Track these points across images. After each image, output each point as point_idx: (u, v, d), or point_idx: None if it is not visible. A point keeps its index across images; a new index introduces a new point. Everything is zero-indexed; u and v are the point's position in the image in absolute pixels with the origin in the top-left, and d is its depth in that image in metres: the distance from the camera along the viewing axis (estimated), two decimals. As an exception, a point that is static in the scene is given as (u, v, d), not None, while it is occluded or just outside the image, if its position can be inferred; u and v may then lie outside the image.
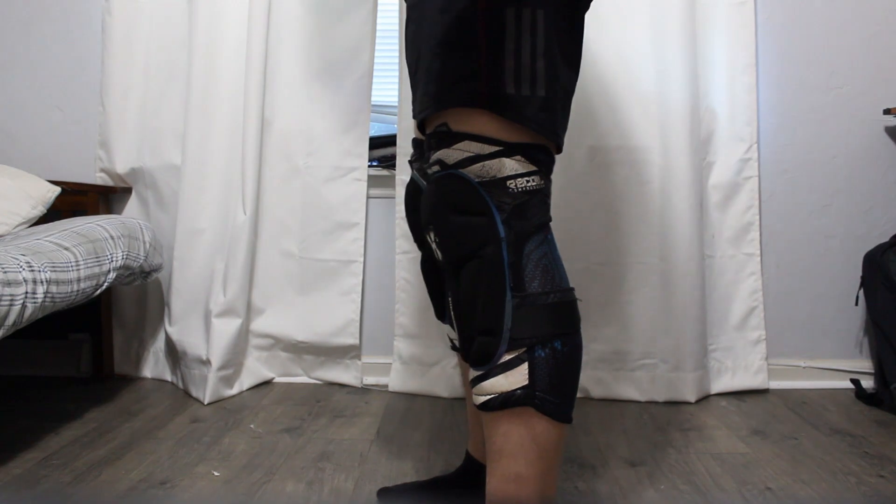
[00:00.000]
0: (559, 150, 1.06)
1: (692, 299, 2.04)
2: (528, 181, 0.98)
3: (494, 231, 0.97)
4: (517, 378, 0.95)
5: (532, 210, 0.99)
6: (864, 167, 2.18)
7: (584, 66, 2.03)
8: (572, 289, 1.02)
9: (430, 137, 1.04)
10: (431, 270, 1.29)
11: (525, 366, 0.95)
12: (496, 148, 0.97)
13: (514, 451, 0.97)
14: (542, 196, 1.01)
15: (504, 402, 0.96)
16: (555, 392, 0.96)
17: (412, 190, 1.27)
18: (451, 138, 0.99)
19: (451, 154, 0.99)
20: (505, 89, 0.97)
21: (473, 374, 1.00)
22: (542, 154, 1.01)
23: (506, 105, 0.97)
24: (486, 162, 0.97)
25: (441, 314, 1.31)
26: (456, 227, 0.99)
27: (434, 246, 1.04)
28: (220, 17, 2.09)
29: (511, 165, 0.97)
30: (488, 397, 0.97)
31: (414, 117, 1.13)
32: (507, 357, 0.96)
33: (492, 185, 0.97)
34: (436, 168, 1.02)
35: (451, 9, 0.98)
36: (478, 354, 0.98)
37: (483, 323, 0.97)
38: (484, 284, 0.97)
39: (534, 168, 0.99)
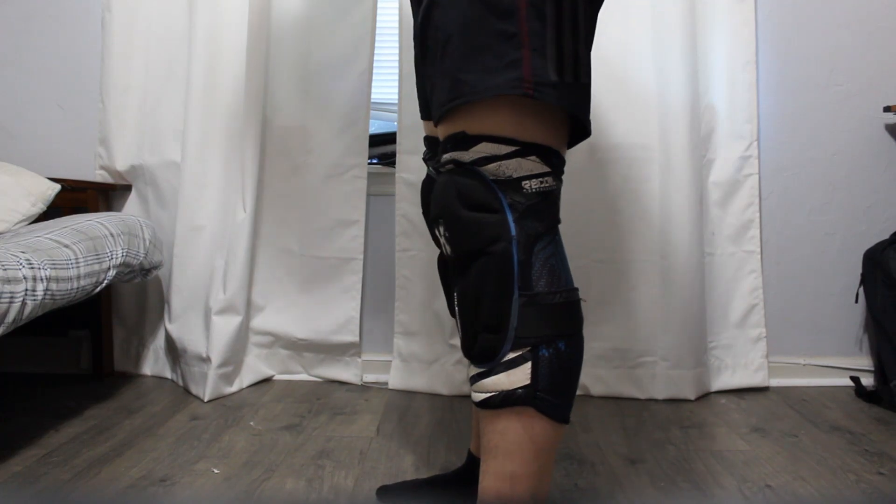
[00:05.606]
0: (587, 135, 1.04)
1: (692, 297, 2.04)
2: (541, 182, 0.98)
3: (506, 229, 0.96)
4: (519, 377, 0.95)
5: (544, 211, 0.99)
6: (864, 164, 2.18)
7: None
8: (577, 289, 1.01)
9: (446, 142, 1.01)
10: (447, 266, 1.28)
11: (528, 365, 0.95)
12: (513, 148, 0.96)
13: (511, 449, 0.97)
14: (553, 197, 1.01)
15: (504, 400, 0.95)
16: (555, 392, 0.96)
17: (429, 186, 1.25)
18: (467, 142, 0.97)
19: (467, 155, 0.98)
20: (549, 77, 0.94)
21: (473, 371, 0.99)
22: (555, 156, 1.00)
23: (551, 92, 0.94)
24: (503, 161, 0.96)
25: (455, 310, 1.30)
26: (467, 223, 0.98)
27: (443, 240, 1.03)
28: (220, 13, 2.08)
29: (527, 166, 0.96)
30: (488, 395, 0.97)
31: (439, 107, 1.02)
32: (510, 355, 0.95)
33: (506, 185, 0.96)
34: (449, 167, 1.01)
35: None
36: (481, 352, 0.98)
37: (488, 320, 0.97)
38: (491, 281, 0.96)
39: (548, 169, 0.98)
